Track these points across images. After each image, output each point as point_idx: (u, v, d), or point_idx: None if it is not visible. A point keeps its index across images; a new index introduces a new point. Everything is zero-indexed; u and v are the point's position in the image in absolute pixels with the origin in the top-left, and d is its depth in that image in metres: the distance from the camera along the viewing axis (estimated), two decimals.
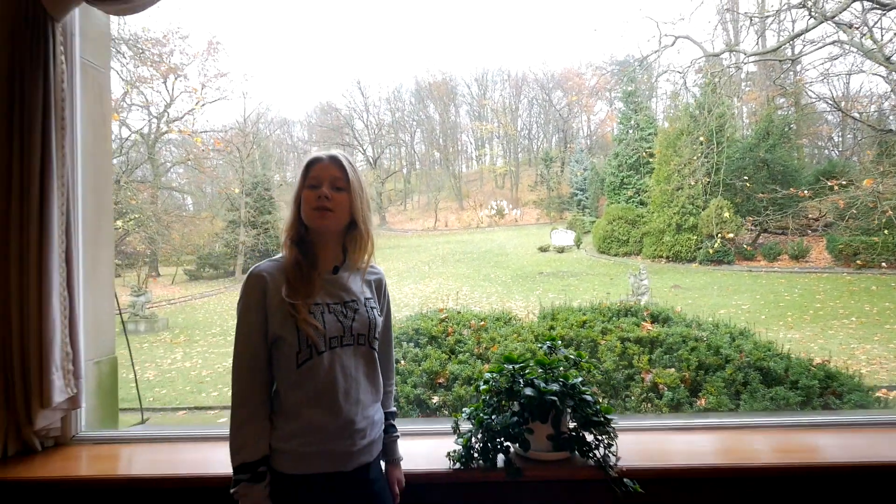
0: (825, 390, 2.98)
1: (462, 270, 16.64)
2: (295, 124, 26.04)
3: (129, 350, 2.45)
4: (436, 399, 3.07)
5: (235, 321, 1.38)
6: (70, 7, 1.90)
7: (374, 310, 1.41)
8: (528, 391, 1.57)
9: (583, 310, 3.93)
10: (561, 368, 1.71)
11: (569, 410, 1.63)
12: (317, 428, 1.28)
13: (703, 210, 14.26)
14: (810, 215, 14.85)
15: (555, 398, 1.57)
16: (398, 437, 1.52)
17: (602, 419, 1.61)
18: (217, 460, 1.77)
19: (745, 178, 12.39)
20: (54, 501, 1.72)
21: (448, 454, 1.64)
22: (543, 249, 18.23)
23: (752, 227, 14.74)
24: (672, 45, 11.92)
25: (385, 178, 24.26)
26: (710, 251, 12.83)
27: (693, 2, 12.15)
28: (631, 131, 18.09)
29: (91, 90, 2.12)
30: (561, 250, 18.12)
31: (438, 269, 17.09)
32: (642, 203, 17.30)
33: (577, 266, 16.37)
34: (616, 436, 1.62)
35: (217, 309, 14.52)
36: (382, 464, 1.47)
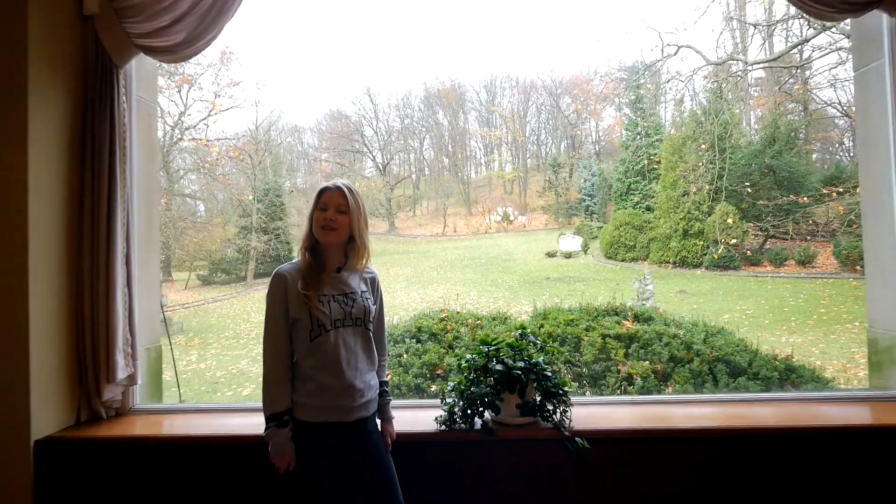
0: (785, 381, 3.35)
1: (470, 276, 17.00)
2: (305, 131, 26.70)
3: (170, 339, 2.90)
4: (434, 388, 3.48)
5: (264, 311, 1.81)
6: (131, 57, 2.38)
7: (369, 300, 1.85)
8: (499, 367, 1.99)
9: (571, 310, 4.33)
10: (530, 350, 2.12)
11: (534, 384, 2.04)
12: (325, 387, 1.72)
13: (708, 216, 14.52)
14: (818, 221, 15.04)
15: (520, 373, 1.98)
16: (390, 399, 1.95)
17: (559, 391, 2.02)
18: (238, 425, 2.25)
19: (747, 184, 12.64)
20: (116, 455, 2.16)
21: (436, 418, 2.07)
22: (551, 255, 18.55)
23: (760, 233, 14.93)
24: (675, 54, 12.29)
25: (394, 185, 24.76)
26: (714, 257, 13.08)
27: (696, 11, 12.51)
28: (637, 138, 18.40)
29: (143, 121, 2.59)
30: (568, 256, 18.43)
31: (447, 275, 17.47)
32: (649, 209, 17.58)
33: (584, 271, 16.66)
34: (571, 404, 2.03)
35: (229, 313, 14.97)
36: (378, 422, 1.89)
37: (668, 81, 15.14)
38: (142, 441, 2.19)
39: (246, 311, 14.78)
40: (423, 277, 17.33)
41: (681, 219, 15.31)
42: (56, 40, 2.24)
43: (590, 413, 2.17)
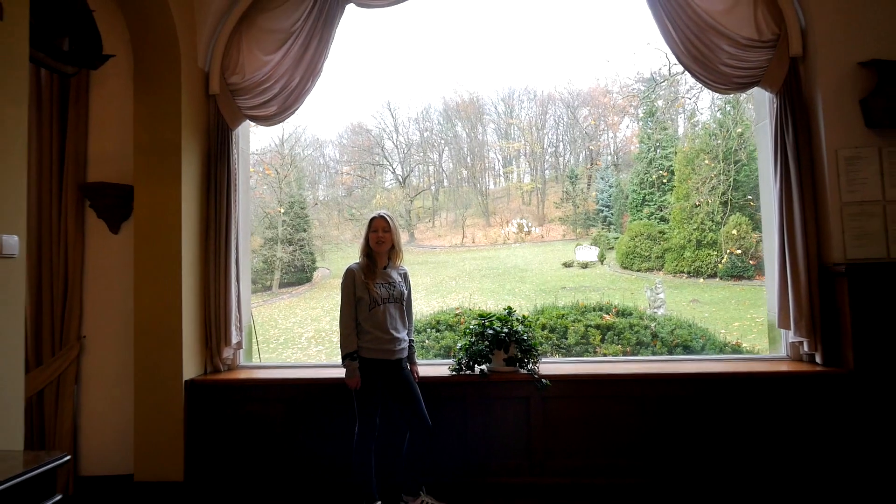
0: None
1: (487, 285, 17.99)
2: (327, 144, 28.06)
3: (253, 320, 4.07)
4: None
5: (340, 292, 2.94)
6: (240, 123, 3.58)
7: (403, 287, 3.00)
8: (490, 332, 3.10)
9: (564, 307, 5.39)
10: (513, 323, 3.21)
11: (514, 344, 3.13)
12: (378, 339, 2.86)
13: (722, 226, 15.32)
14: None
15: (505, 336, 3.08)
16: (415, 351, 3.09)
17: (532, 350, 3.11)
18: (302, 374, 3.42)
19: (750, 197, 13.48)
20: (231, 392, 3.32)
21: (449, 367, 3.19)
22: (567, 265, 19.47)
23: None
24: (683, 72, 13.33)
25: (414, 196, 25.99)
26: (720, 266, 13.90)
27: None
28: (652, 150, 19.32)
29: (242, 162, 3.77)
30: (585, 266, 19.32)
31: (465, 284, 18.49)
32: (664, 219, 18.41)
33: (599, 281, 17.53)
34: (539, 358, 3.12)
35: (257, 320, 16.09)
36: (408, 365, 3.01)
37: (683, 96, 16.06)
38: (247, 383, 3.36)
39: (273, 318, 15.95)
40: (441, 287, 18.37)
41: (694, 229, 16.15)
42: (194, 112, 3.45)
43: (555, 367, 3.26)
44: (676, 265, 16.85)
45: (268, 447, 3.29)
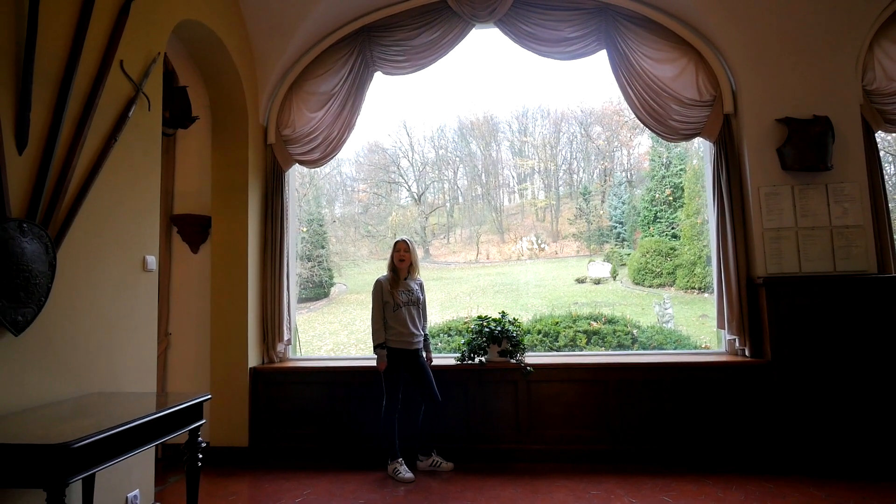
0: None
1: (501, 300, 18.79)
2: (344, 162, 29.34)
3: (295, 323, 5.10)
4: None
5: (371, 298, 3.95)
6: (291, 166, 4.67)
7: (419, 294, 4.01)
8: (487, 330, 4.09)
9: (559, 316, 6.35)
10: (505, 323, 4.19)
11: (506, 340, 4.11)
12: (401, 333, 3.86)
13: None
14: None
15: (498, 334, 4.07)
16: (429, 343, 4.08)
17: (519, 344, 4.09)
18: (340, 365, 4.37)
19: None
20: (284, 376, 4.34)
21: (455, 358, 4.18)
22: (580, 281, 20.25)
23: None
24: None
25: (429, 213, 27.06)
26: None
27: None
28: (662, 168, 20.18)
29: (291, 194, 4.84)
30: (597, 282, 20.07)
31: (478, 300, 19.32)
32: (675, 236, 19.17)
33: (611, 297, 18.25)
34: (525, 351, 4.10)
35: None
36: (424, 353, 4.00)
37: None
38: (296, 370, 4.38)
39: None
40: (456, 302, 19.21)
41: (704, 246, 16.90)
42: (256, 158, 4.55)
43: (538, 359, 4.24)
44: (687, 281, 17.55)
45: (312, 420, 4.30)
